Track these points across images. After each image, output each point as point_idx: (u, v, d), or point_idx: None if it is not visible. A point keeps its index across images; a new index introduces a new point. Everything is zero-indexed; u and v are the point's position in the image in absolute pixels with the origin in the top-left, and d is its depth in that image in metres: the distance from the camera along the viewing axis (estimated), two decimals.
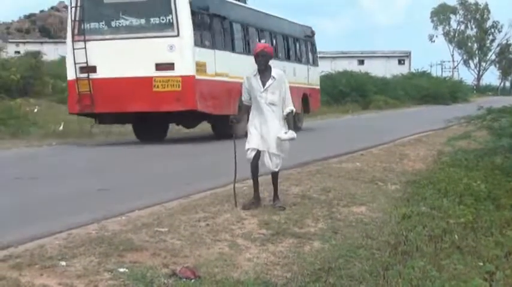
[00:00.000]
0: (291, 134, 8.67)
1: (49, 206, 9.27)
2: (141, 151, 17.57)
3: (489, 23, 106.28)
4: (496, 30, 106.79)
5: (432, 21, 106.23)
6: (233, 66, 19.02)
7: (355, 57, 70.50)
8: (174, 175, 12.57)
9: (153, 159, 15.52)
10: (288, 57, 24.16)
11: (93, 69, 17.68)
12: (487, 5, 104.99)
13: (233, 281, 5.82)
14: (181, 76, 17.35)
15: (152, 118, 18.69)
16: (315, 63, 26.92)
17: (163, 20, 17.60)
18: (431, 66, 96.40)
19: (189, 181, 11.11)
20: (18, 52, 54.06)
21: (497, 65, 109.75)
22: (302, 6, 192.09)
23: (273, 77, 8.70)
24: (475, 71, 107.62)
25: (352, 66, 60.62)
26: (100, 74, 17.65)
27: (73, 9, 17.97)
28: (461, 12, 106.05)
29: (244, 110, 9.11)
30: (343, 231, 7.88)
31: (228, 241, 7.24)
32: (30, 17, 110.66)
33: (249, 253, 6.84)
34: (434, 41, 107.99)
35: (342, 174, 12.44)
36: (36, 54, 40.64)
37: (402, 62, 67.76)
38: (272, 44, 21.77)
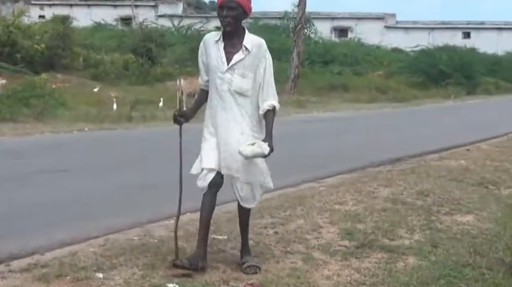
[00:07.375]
0: (258, 147, 6.10)
1: (82, 205, 9.41)
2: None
3: None
4: None
5: None
6: None
7: (459, 28, 69.13)
8: None
9: None
10: None
11: None
12: None
13: None
14: None
15: None
16: None
17: None
18: None
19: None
20: (43, 17, 54.65)
21: None
22: None
23: (245, 48, 6.28)
24: None
25: (456, 40, 59.63)
26: None
27: None
28: None
29: (200, 100, 6.71)
30: (445, 245, 7.82)
31: (302, 253, 7.27)
32: None
33: (327, 269, 6.84)
34: None
35: (442, 174, 12.39)
36: (65, 20, 41.19)
37: None
38: None
